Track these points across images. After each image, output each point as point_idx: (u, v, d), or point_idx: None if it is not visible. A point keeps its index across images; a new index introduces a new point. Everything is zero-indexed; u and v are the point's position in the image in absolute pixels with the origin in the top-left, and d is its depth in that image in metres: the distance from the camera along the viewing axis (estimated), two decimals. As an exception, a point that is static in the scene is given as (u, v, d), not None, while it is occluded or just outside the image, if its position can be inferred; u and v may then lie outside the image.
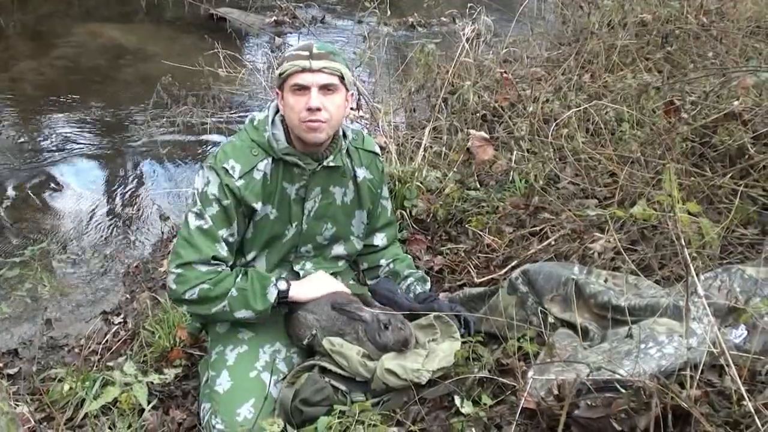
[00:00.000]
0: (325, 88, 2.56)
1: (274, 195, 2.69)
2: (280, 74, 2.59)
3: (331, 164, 2.74)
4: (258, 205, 2.65)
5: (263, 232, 2.73)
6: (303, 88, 2.55)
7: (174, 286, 2.62)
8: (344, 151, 2.81)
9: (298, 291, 2.69)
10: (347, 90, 2.66)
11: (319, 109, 2.53)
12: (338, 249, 2.93)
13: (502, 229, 3.41)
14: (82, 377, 2.93)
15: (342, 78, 2.60)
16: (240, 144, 2.68)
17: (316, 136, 2.59)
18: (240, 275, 2.64)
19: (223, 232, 2.62)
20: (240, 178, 2.61)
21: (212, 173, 2.62)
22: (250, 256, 2.78)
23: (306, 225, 2.79)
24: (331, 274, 2.91)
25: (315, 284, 2.75)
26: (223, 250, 2.63)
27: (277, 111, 2.72)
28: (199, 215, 2.61)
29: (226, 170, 2.61)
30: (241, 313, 2.61)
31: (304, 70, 2.53)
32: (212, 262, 2.61)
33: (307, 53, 2.54)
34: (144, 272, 4.38)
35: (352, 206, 2.91)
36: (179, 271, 2.59)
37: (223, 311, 2.61)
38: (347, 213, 2.90)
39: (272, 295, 2.61)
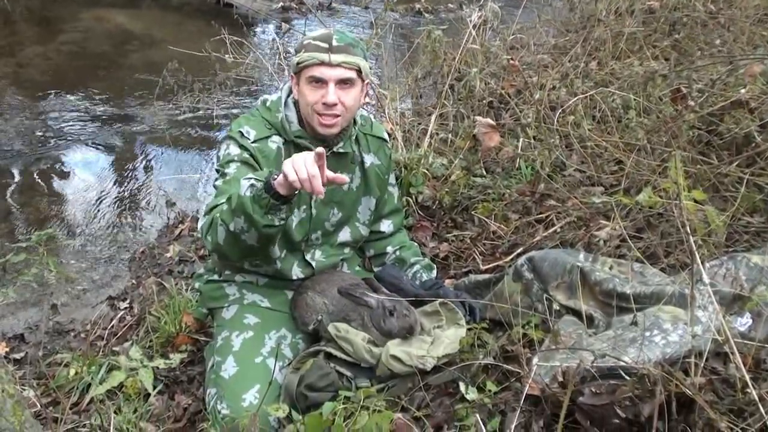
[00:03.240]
0: (343, 83, 2.55)
1: None
2: (298, 63, 2.56)
3: (341, 150, 2.75)
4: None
5: None
6: (320, 81, 2.54)
7: (202, 227, 2.48)
8: (353, 138, 2.82)
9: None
10: (363, 81, 2.65)
11: (335, 104, 2.54)
12: (344, 235, 2.93)
13: (508, 216, 3.40)
14: (88, 362, 2.96)
15: (359, 71, 2.58)
16: (253, 118, 2.71)
17: (330, 130, 2.62)
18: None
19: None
20: (254, 142, 2.63)
21: (229, 139, 2.66)
22: None
23: (315, 210, 2.78)
24: (339, 260, 2.92)
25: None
26: None
27: (290, 92, 2.72)
28: (223, 174, 2.59)
29: (242, 133, 2.64)
30: (234, 223, 2.31)
31: (322, 63, 2.51)
32: None
33: (326, 45, 2.52)
34: (150, 258, 4.39)
35: (359, 192, 2.91)
36: (204, 217, 2.48)
37: (227, 233, 2.35)
38: (353, 199, 2.90)
39: (244, 187, 2.29)
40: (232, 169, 2.58)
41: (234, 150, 2.62)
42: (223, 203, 2.38)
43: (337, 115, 2.58)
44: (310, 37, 2.58)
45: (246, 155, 2.61)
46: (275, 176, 2.22)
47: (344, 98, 2.57)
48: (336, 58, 2.51)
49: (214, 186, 2.62)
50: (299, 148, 2.65)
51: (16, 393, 2.07)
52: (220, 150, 2.70)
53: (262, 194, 2.23)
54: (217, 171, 2.65)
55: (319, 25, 5.56)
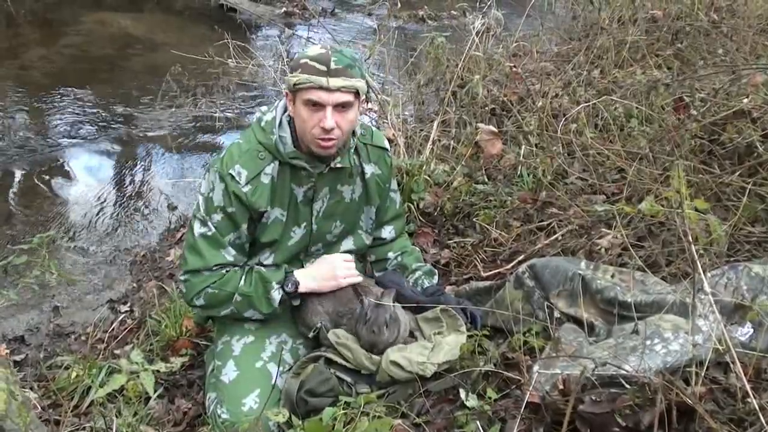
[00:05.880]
0: (341, 106, 2.47)
1: (282, 198, 2.66)
2: (294, 84, 2.45)
3: (339, 165, 2.69)
4: (267, 209, 2.62)
5: (270, 233, 2.69)
6: (317, 105, 2.45)
7: (184, 290, 2.70)
8: (352, 149, 2.76)
9: (309, 285, 2.70)
10: (360, 100, 2.57)
11: (333, 129, 2.47)
12: (347, 244, 2.91)
13: (510, 223, 3.41)
14: (88, 365, 2.95)
15: (357, 93, 2.50)
16: (247, 147, 2.61)
17: (327, 152, 2.56)
18: (244, 277, 2.65)
19: (229, 237, 2.63)
20: (247, 184, 2.57)
21: (218, 179, 2.58)
22: (256, 257, 2.77)
23: (316, 225, 2.77)
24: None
25: (324, 271, 2.74)
26: (229, 255, 2.64)
27: (285, 110, 2.64)
28: (203, 222, 2.62)
29: (232, 176, 2.56)
30: (249, 314, 2.68)
31: (320, 87, 2.41)
32: (214, 269, 2.63)
33: (324, 68, 2.40)
34: (151, 261, 4.39)
35: (360, 202, 2.88)
36: (186, 277, 2.66)
37: (231, 313, 2.68)
38: (355, 209, 2.88)
39: (275, 300, 2.65)
40: (213, 221, 2.61)
41: (218, 198, 2.59)
42: (228, 289, 2.64)
43: (335, 138, 2.52)
44: (307, 56, 2.46)
45: (231, 209, 2.58)
46: (296, 281, 2.67)
47: (341, 122, 2.49)
48: (334, 82, 2.41)
49: (191, 226, 2.68)
50: (295, 169, 2.63)
51: (21, 393, 2.07)
52: (206, 181, 2.65)
53: (289, 299, 2.69)
54: (198, 207, 2.66)
55: (323, 31, 5.57)
